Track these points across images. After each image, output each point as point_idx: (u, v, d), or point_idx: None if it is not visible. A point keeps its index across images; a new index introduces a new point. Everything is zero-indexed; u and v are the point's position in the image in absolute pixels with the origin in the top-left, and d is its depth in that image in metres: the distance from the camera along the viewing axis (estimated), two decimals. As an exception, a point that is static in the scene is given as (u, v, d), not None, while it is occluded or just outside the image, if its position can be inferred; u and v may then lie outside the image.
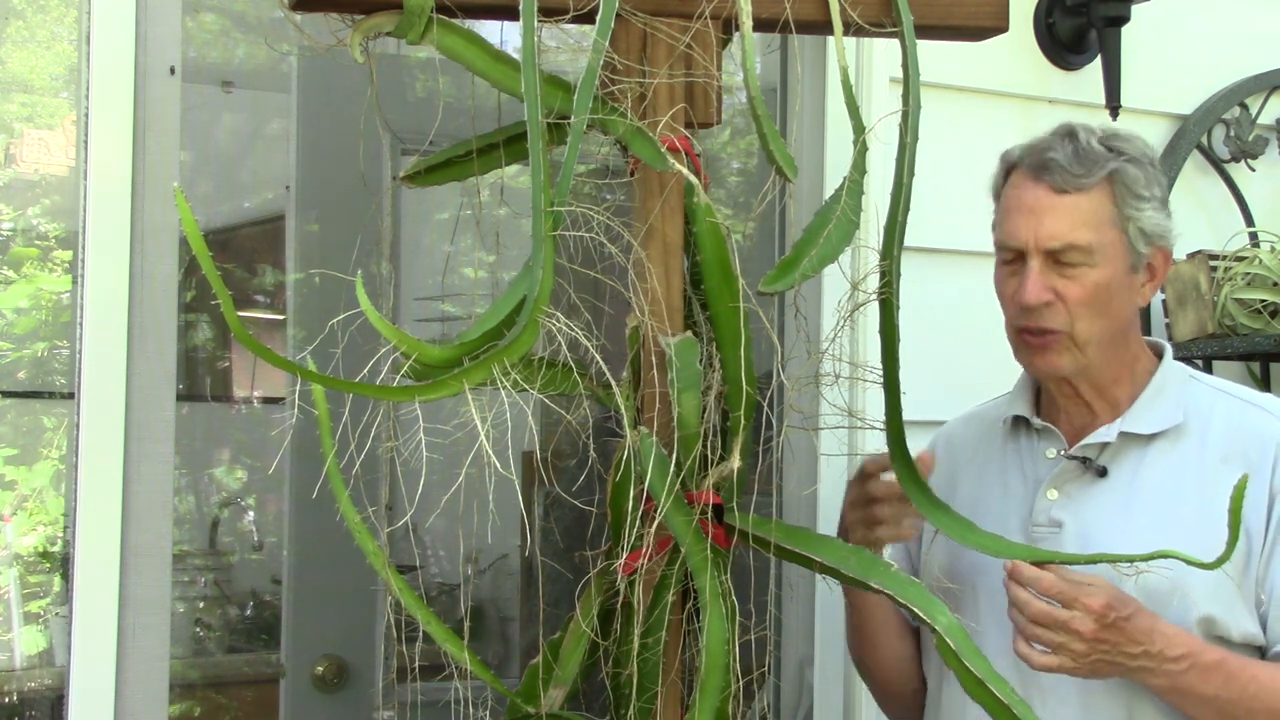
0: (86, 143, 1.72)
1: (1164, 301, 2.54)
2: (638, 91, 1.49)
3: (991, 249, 1.77)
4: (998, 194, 1.74)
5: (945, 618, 1.43)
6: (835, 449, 2.06)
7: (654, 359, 1.48)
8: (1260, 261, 2.40)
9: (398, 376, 1.33)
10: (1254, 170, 2.69)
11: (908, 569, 1.71)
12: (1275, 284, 2.38)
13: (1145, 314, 2.57)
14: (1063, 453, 1.70)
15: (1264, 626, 1.60)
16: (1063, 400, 1.72)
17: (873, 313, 1.63)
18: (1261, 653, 1.61)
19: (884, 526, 1.68)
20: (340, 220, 2.80)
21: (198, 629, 3.77)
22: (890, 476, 1.66)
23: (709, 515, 1.49)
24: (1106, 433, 1.68)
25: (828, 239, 1.54)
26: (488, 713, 1.45)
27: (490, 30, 1.50)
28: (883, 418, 1.62)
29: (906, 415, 1.64)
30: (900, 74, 1.57)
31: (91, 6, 1.72)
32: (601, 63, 1.40)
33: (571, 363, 1.44)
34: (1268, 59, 2.72)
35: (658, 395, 1.47)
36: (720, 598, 1.47)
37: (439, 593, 3.64)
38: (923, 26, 1.59)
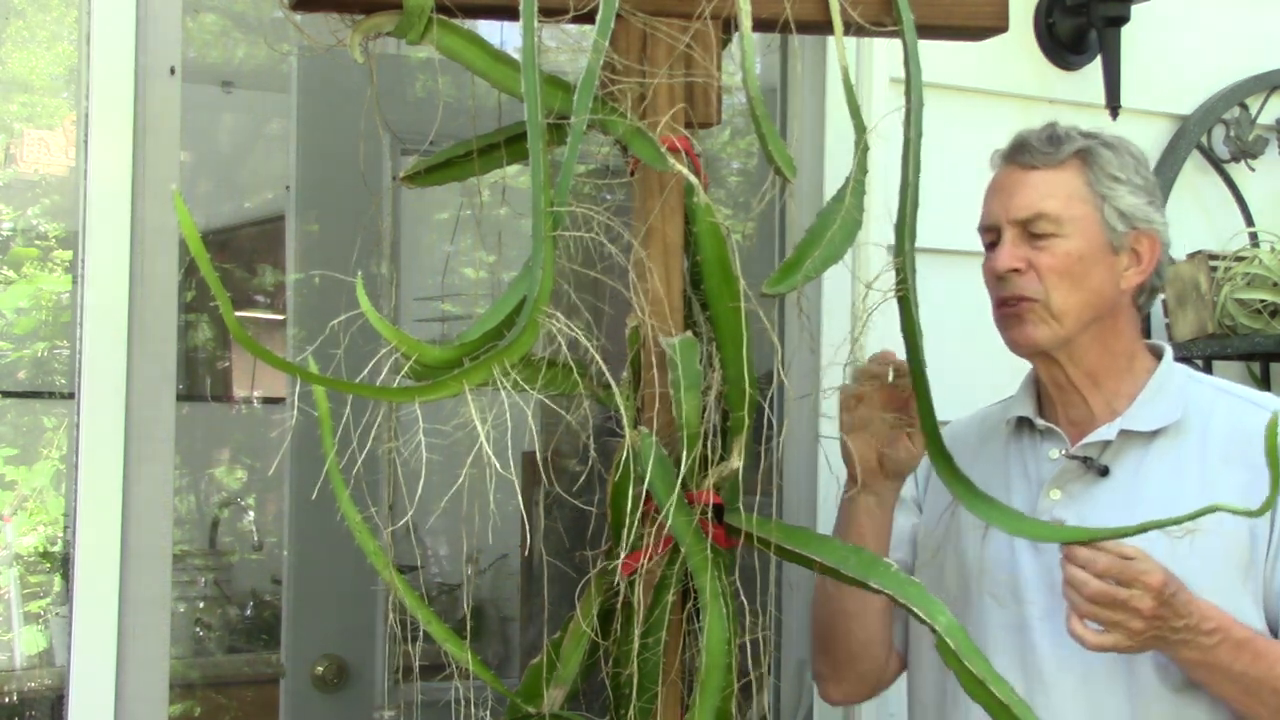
0: (86, 143, 1.72)
1: (1164, 301, 2.54)
2: (638, 91, 1.49)
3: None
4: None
5: (945, 618, 1.43)
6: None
7: (654, 359, 1.48)
8: (1260, 261, 2.40)
9: (398, 377, 1.33)
10: (1254, 170, 2.69)
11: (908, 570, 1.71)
12: (1275, 284, 2.39)
13: (1145, 314, 2.57)
14: (1065, 453, 1.70)
15: (1272, 625, 1.61)
16: (1056, 392, 1.73)
17: (883, 316, 1.62)
18: None
19: (858, 431, 1.68)
20: (340, 220, 2.80)
21: (198, 629, 3.77)
22: (890, 377, 1.66)
23: (709, 515, 1.49)
24: (1107, 431, 1.68)
25: (831, 239, 1.54)
26: (488, 713, 1.45)
27: (490, 30, 1.50)
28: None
29: (908, 415, 1.64)
30: (900, 74, 1.57)
31: (91, 6, 1.72)
32: (601, 63, 1.40)
33: (571, 363, 1.44)
34: (1268, 59, 2.72)
35: (658, 395, 1.47)
36: (720, 598, 1.47)
37: (439, 593, 3.64)
38: (923, 26, 1.59)
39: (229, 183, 4.17)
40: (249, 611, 3.84)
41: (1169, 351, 1.75)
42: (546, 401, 1.44)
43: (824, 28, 1.57)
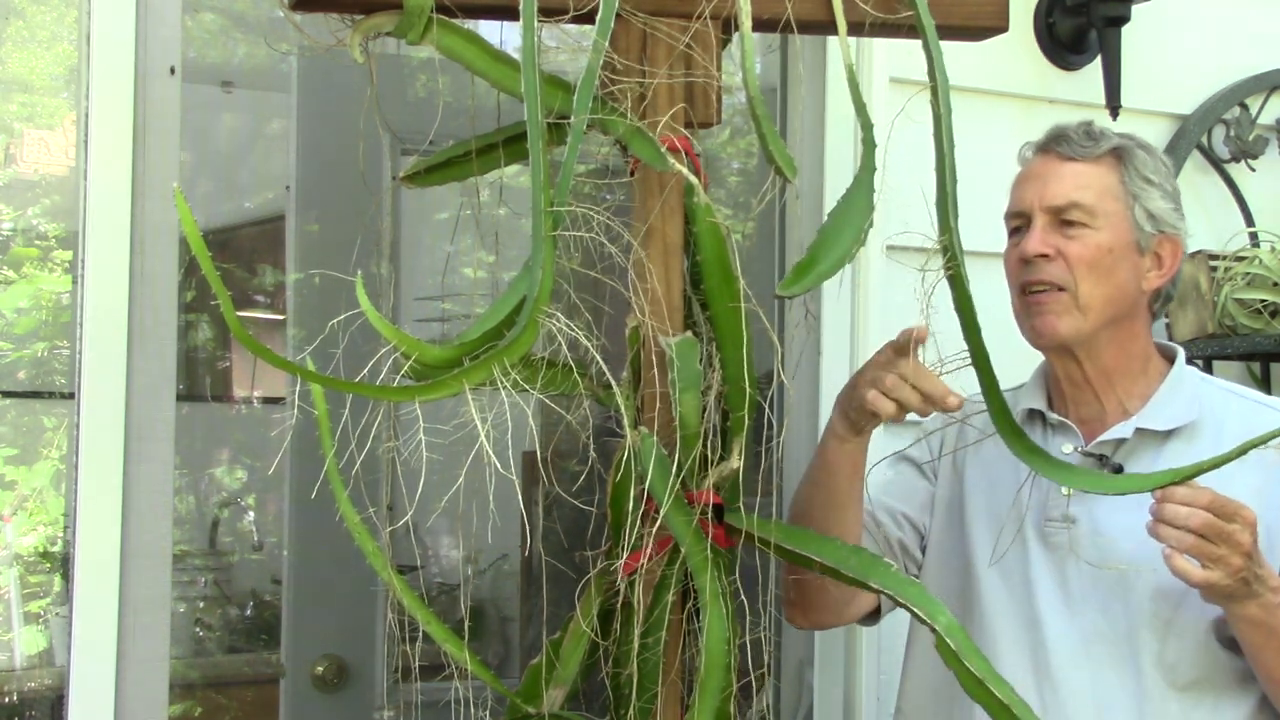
0: (86, 143, 1.72)
1: (1164, 301, 2.54)
2: (638, 91, 1.49)
3: (994, 249, 1.77)
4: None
5: (945, 618, 1.43)
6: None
7: (654, 359, 1.48)
8: (1260, 261, 2.40)
9: (398, 377, 1.33)
10: (1254, 170, 2.69)
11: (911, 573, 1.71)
12: (1275, 284, 2.38)
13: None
14: (1079, 449, 1.71)
15: None
16: (1069, 389, 1.72)
17: (890, 313, 1.61)
18: None
19: (878, 394, 1.59)
20: (340, 220, 2.80)
21: (198, 629, 3.77)
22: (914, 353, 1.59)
23: (709, 515, 1.49)
24: (1123, 429, 1.68)
25: (847, 238, 1.53)
26: (488, 713, 1.45)
27: (490, 30, 1.50)
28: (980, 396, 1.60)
29: (914, 416, 1.63)
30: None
31: (91, 6, 1.72)
32: (601, 63, 1.40)
33: (571, 363, 1.44)
34: (1268, 59, 2.72)
35: (658, 395, 1.47)
36: (720, 598, 1.47)
37: (439, 593, 3.64)
38: (923, 26, 1.59)
39: (229, 183, 4.17)
40: (249, 611, 3.84)
41: (1181, 354, 1.76)
42: (546, 401, 1.44)
43: (824, 27, 1.57)
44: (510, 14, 1.41)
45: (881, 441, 1.78)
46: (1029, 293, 1.68)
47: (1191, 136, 2.62)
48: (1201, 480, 1.63)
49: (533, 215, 1.37)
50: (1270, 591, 1.52)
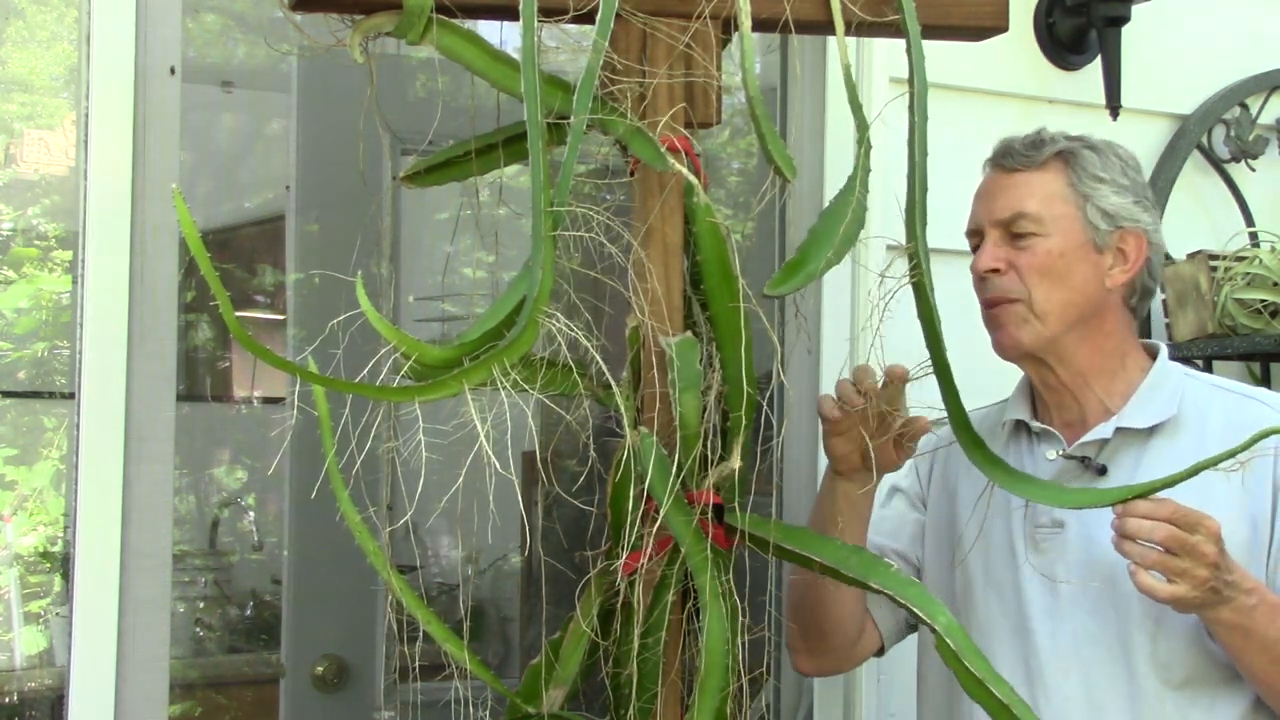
0: (86, 143, 1.72)
1: (1164, 301, 2.54)
2: (637, 91, 1.49)
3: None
4: None
5: (945, 618, 1.43)
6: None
7: (654, 359, 1.48)
8: (1260, 261, 2.40)
9: (398, 377, 1.33)
10: (1254, 170, 2.69)
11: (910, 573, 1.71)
12: (1275, 284, 2.39)
13: (1144, 316, 2.57)
14: (1061, 453, 1.70)
15: None
16: (1047, 394, 1.73)
17: (893, 307, 1.61)
18: None
19: (841, 435, 1.66)
20: (340, 220, 2.80)
21: (198, 629, 3.77)
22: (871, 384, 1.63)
23: (709, 515, 1.49)
24: (1103, 429, 1.68)
25: (839, 238, 1.53)
26: (488, 713, 1.45)
27: (490, 30, 1.50)
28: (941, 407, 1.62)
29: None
30: (901, 74, 1.57)
31: (91, 6, 1.72)
32: (601, 63, 1.40)
33: (571, 363, 1.44)
34: (1268, 59, 2.72)
35: (658, 395, 1.47)
36: (720, 598, 1.47)
37: (439, 593, 3.64)
38: (923, 26, 1.59)
39: (229, 183, 4.16)
40: (249, 611, 3.84)
41: (1164, 350, 1.76)
42: (546, 401, 1.44)
43: (823, 27, 1.57)
44: (510, 14, 1.41)
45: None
46: (988, 306, 1.70)
47: (1191, 136, 2.62)
48: (1189, 451, 1.64)
49: (533, 215, 1.37)
50: (1243, 594, 1.51)
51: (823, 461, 2.11)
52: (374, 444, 1.34)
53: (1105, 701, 1.63)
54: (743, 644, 1.49)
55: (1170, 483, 1.46)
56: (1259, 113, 2.69)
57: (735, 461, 1.49)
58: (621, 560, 1.44)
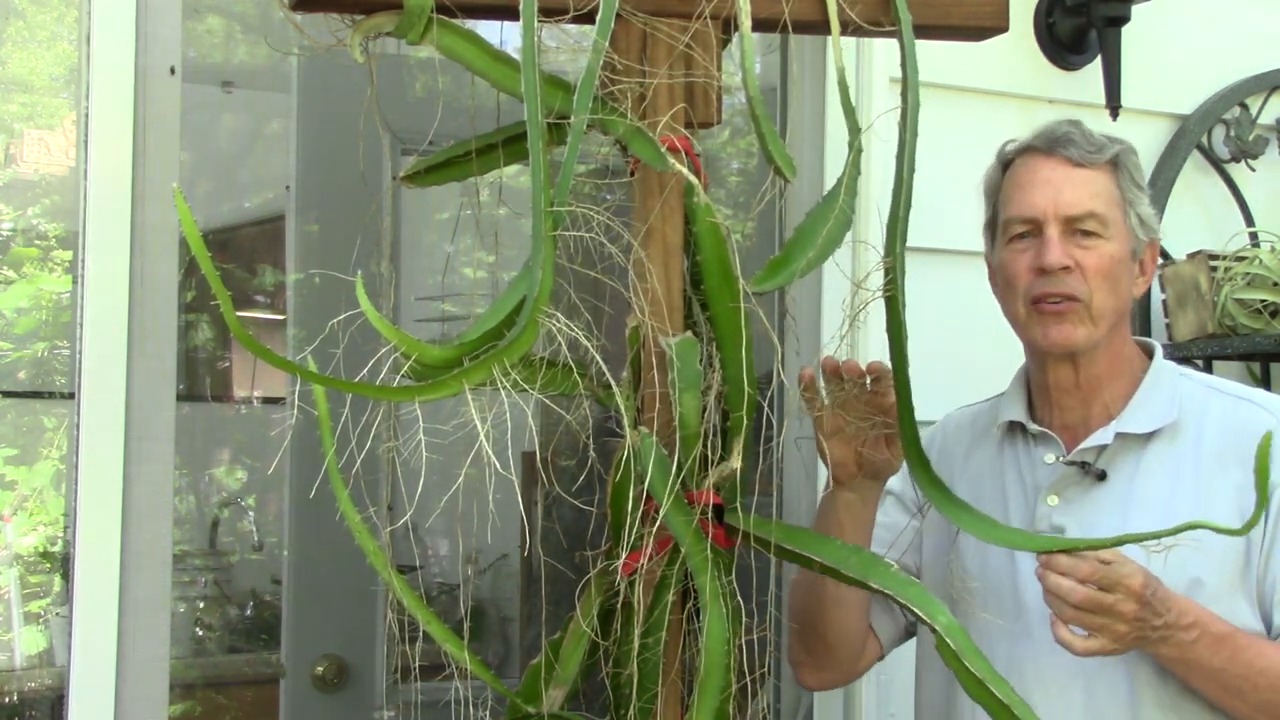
0: (86, 143, 1.72)
1: (1164, 301, 2.54)
2: (638, 91, 1.49)
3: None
4: (994, 189, 1.74)
5: (945, 617, 1.43)
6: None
7: (654, 359, 1.48)
8: (1260, 261, 2.40)
9: (398, 376, 1.33)
10: (1254, 170, 2.69)
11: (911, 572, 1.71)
12: (1275, 284, 2.38)
13: (1145, 314, 2.57)
14: (1061, 458, 1.69)
15: (1267, 622, 1.61)
16: (1057, 395, 1.71)
17: (877, 314, 1.62)
18: None
19: (835, 435, 1.65)
20: (340, 220, 2.80)
21: (198, 629, 3.77)
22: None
23: (709, 515, 1.49)
24: (1103, 435, 1.67)
25: (821, 239, 1.54)
26: (488, 713, 1.45)
27: (490, 30, 1.50)
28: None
29: (906, 415, 1.64)
30: (900, 74, 1.57)
31: (91, 6, 1.72)
32: (601, 63, 1.40)
33: (571, 363, 1.44)
34: (1268, 59, 2.72)
35: (658, 395, 1.47)
36: (720, 598, 1.47)
37: (439, 593, 3.64)
38: (922, 26, 1.59)
39: (229, 183, 4.16)
40: (249, 611, 3.84)
41: (1159, 349, 1.75)
42: (546, 401, 1.44)
43: (822, 28, 1.57)
44: (510, 14, 1.41)
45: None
46: (1044, 301, 1.65)
47: (1191, 136, 2.62)
48: (1187, 473, 1.64)
49: (533, 215, 1.37)
50: (1181, 631, 1.52)
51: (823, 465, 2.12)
52: (374, 444, 1.34)
53: (1104, 713, 1.62)
54: (743, 644, 1.49)
55: (1094, 545, 1.47)
56: (1259, 113, 2.69)
57: (735, 461, 1.49)
58: (621, 560, 1.44)
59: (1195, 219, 2.64)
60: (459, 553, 3.39)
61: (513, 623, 3.57)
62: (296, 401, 1.41)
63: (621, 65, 1.47)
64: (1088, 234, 1.64)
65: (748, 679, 1.49)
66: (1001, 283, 1.72)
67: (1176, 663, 1.56)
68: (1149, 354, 1.75)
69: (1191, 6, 2.64)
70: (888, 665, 2.20)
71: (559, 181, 1.36)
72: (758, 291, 1.51)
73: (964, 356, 2.24)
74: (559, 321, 1.36)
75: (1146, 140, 2.59)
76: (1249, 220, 2.67)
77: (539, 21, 1.38)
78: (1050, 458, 1.71)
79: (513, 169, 1.55)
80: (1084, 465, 1.67)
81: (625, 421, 1.46)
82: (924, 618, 1.43)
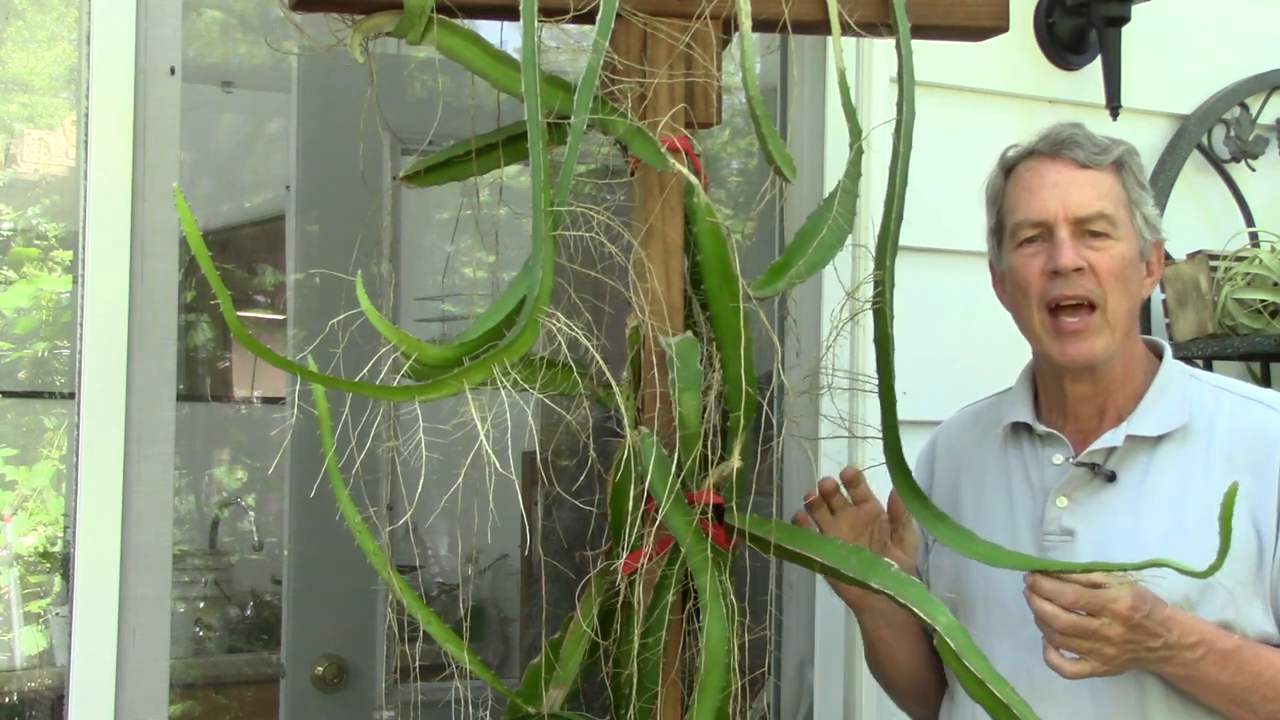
0: (86, 143, 1.72)
1: (1164, 301, 2.53)
2: (638, 91, 1.49)
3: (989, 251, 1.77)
4: (997, 196, 1.73)
5: (945, 618, 1.43)
6: (834, 457, 2.06)
7: (654, 359, 1.48)
8: (1260, 261, 2.40)
9: (398, 376, 1.33)
10: (1254, 170, 2.69)
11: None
12: (1275, 284, 2.38)
13: (1145, 314, 2.57)
14: (1070, 460, 1.68)
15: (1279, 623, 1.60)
16: (1072, 403, 1.69)
17: (869, 319, 1.63)
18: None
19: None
20: (340, 220, 2.80)
21: (198, 629, 3.77)
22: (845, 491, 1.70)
23: (709, 515, 1.49)
24: (1113, 437, 1.65)
25: (821, 243, 1.54)
26: (488, 713, 1.45)
27: (490, 30, 1.50)
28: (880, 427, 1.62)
29: (905, 416, 1.64)
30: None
31: (91, 6, 1.72)
32: (601, 63, 1.40)
33: (571, 363, 1.44)
34: (1268, 59, 2.72)
35: (658, 395, 1.47)
36: (720, 598, 1.47)
37: (439, 593, 3.64)
38: (923, 27, 1.59)
39: (229, 183, 4.17)
40: (249, 611, 3.84)
41: (1168, 350, 1.73)
42: (546, 401, 1.44)
43: (822, 28, 1.57)
44: (510, 14, 1.41)
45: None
46: (1059, 311, 1.63)
47: (1191, 136, 2.62)
48: (1198, 475, 1.63)
49: (533, 215, 1.37)
50: (1185, 650, 1.51)
51: (823, 464, 2.12)
52: (374, 444, 1.34)
53: (1111, 704, 1.61)
54: (743, 644, 1.49)
55: (1073, 569, 1.48)
56: (1259, 113, 2.69)
57: (735, 461, 1.49)
58: (621, 560, 1.44)
59: (1195, 219, 2.64)
60: (459, 553, 3.39)
61: (513, 623, 3.57)
62: (296, 401, 1.41)
63: (622, 65, 1.47)
64: (1097, 235, 1.63)
65: (748, 678, 1.49)
66: (1012, 288, 1.70)
67: (1183, 680, 1.55)
68: (1157, 353, 1.73)
69: (1191, 7, 2.64)
70: (888, 665, 2.20)
71: (559, 181, 1.36)
72: (761, 295, 1.52)
73: (962, 356, 2.24)
74: (559, 321, 1.36)
75: (1147, 140, 2.58)
76: (1249, 220, 2.67)
77: (539, 21, 1.38)
78: (1059, 459, 1.69)
79: (513, 169, 1.55)
80: (1093, 467, 1.66)
81: (625, 421, 1.46)
82: (924, 617, 1.43)
